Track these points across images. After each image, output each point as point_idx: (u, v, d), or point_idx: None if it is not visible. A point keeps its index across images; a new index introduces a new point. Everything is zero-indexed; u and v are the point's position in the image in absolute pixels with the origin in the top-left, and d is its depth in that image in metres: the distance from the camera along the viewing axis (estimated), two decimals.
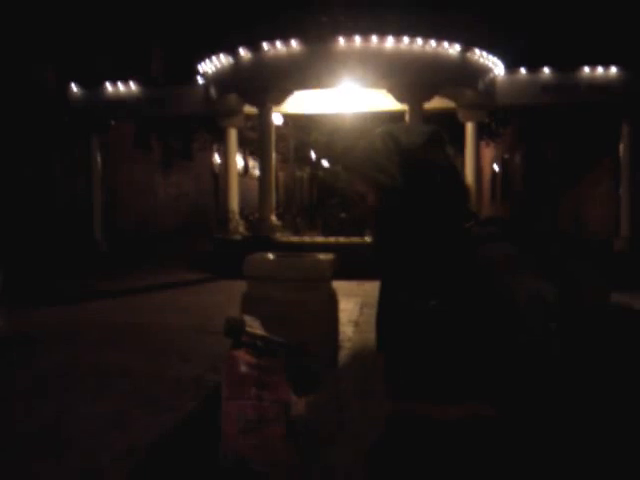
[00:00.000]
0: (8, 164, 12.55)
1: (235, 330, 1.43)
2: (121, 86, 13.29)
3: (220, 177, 19.75)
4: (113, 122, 14.13)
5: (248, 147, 20.44)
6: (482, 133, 15.50)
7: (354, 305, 7.31)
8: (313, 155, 23.23)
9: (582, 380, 1.31)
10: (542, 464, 1.28)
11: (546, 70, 12.08)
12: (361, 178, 1.34)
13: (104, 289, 8.93)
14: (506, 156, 22.76)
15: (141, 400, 4.14)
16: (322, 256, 5.20)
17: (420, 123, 1.48)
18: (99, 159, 13.78)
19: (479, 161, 14.34)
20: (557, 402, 1.27)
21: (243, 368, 1.33)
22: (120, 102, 13.31)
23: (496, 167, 24.41)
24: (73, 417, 3.85)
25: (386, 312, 1.54)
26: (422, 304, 1.38)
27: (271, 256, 5.12)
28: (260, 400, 1.33)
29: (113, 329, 6.45)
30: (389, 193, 1.32)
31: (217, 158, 22.29)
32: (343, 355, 5.04)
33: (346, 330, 5.55)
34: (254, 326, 1.47)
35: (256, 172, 16.62)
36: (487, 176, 25.04)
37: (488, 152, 24.18)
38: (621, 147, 12.31)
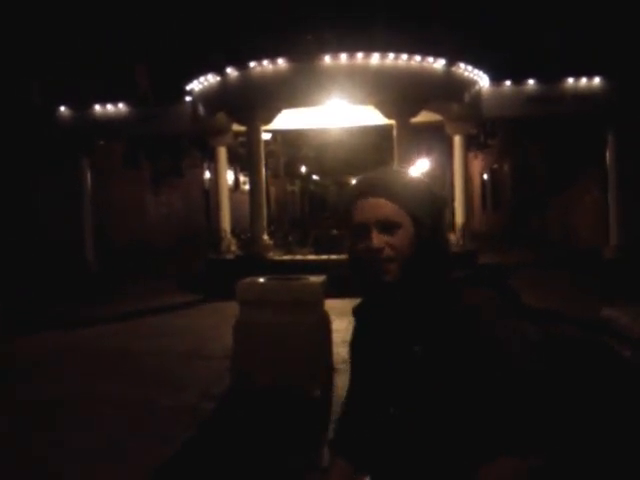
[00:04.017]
0: None
1: None
2: (109, 106, 13.31)
3: (211, 193, 19.76)
4: (102, 142, 14.16)
5: (239, 163, 20.48)
6: (470, 144, 15.62)
7: (348, 324, 7.31)
8: (303, 169, 23.30)
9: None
10: None
11: (531, 82, 12.21)
12: (404, 209, 1.37)
13: (96, 314, 8.88)
14: (495, 166, 22.91)
15: (135, 431, 4.13)
16: (313, 278, 5.23)
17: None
18: (89, 179, 13.77)
19: (468, 172, 14.45)
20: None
21: None
22: (108, 122, 13.33)
23: (485, 177, 24.56)
24: (66, 451, 3.83)
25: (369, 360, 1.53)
26: (406, 349, 1.40)
27: (262, 280, 5.14)
28: None
29: (105, 356, 6.43)
30: (424, 230, 1.37)
31: (207, 174, 22.31)
32: (338, 378, 5.04)
33: (340, 351, 5.55)
34: None
35: (247, 187, 16.66)
36: (477, 186, 25.18)
37: (477, 163, 24.34)
38: (607, 156, 12.44)
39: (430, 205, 1.39)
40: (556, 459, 1.28)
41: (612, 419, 1.38)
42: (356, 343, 1.57)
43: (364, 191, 1.41)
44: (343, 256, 11.44)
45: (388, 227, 1.36)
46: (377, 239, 1.36)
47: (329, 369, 5.17)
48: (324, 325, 5.22)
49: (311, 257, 11.40)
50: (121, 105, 13.28)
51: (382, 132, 14.91)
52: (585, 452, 1.33)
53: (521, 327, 1.36)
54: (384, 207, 1.37)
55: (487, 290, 1.39)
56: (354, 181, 1.58)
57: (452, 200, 13.72)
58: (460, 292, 1.37)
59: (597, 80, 12.04)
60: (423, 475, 1.38)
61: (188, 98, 12.79)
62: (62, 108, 13.43)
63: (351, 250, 1.43)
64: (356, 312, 1.57)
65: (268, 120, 11.64)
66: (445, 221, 1.46)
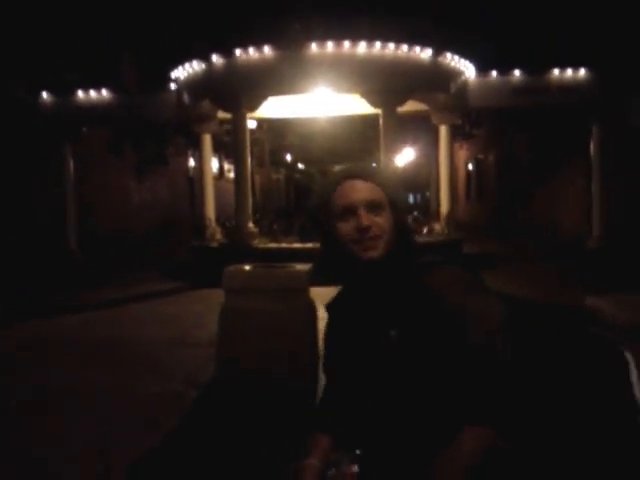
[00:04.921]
0: None
1: None
2: (93, 93, 13.15)
3: (195, 181, 19.66)
4: (85, 129, 13.99)
5: (223, 151, 20.36)
6: (456, 135, 15.65)
7: None
8: (289, 158, 23.24)
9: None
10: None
11: (517, 73, 12.24)
12: (385, 193, 1.48)
13: (80, 302, 8.82)
14: (480, 156, 23.00)
15: (121, 419, 4.12)
16: (299, 266, 5.22)
17: None
18: (72, 166, 13.61)
19: (453, 162, 14.49)
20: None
21: None
22: (92, 109, 13.16)
23: (470, 167, 24.66)
24: (52, 440, 3.81)
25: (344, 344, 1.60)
26: (382, 334, 1.47)
27: (247, 267, 5.13)
28: None
29: (90, 344, 6.39)
30: (400, 214, 1.51)
31: (192, 162, 22.18)
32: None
33: None
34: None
35: (232, 175, 16.58)
36: (462, 176, 25.29)
37: (462, 153, 24.43)
38: (591, 147, 12.52)
39: (403, 196, 1.54)
40: (522, 436, 1.33)
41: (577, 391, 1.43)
42: (331, 335, 1.65)
43: (348, 175, 1.50)
44: None
45: (374, 207, 1.46)
46: (366, 218, 1.44)
47: (314, 356, 5.18)
48: (310, 313, 5.21)
49: (297, 245, 11.38)
50: (105, 92, 13.13)
51: (368, 121, 14.90)
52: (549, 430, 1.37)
53: (489, 301, 1.44)
54: (371, 189, 1.47)
55: (454, 268, 1.48)
56: (334, 170, 1.67)
57: (437, 190, 13.78)
58: (429, 273, 1.46)
59: (582, 72, 12.09)
60: (408, 448, 1.43)
61: (173, 85, 12.66)
62: (44, 94, 13.24)
63: (331, 234, 1.50)
64: (330, 308, 1.65)
65: (254, 108, 11.57)
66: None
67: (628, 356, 1.40)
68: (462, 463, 1.28)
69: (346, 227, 1.46)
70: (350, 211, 1.45)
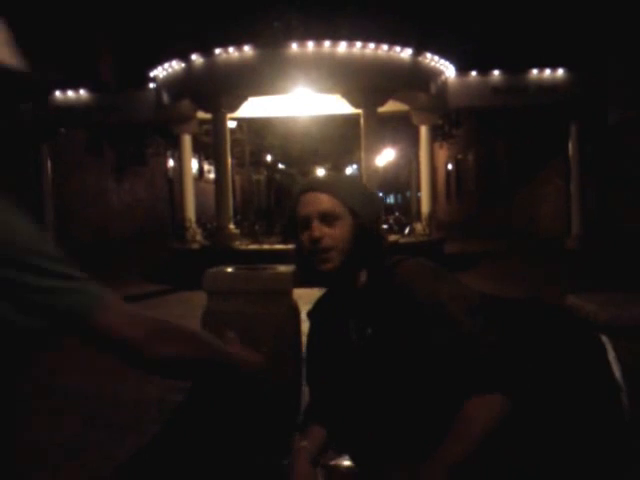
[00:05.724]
0: None
1: None
2: (70, 93, 12.98)
3: (175, 182, 19.51)
4: (63, 130, 13.81)
5: (203, 152, 20.23)
6: (436, 135, 15.71)
7: None
8: (269, 158, 23.17)
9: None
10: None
11: (496, 72, 12.33)
12: (343, 203, 1.52)
13: None
14: (459, 156, 23.15)
15: (100, 425, 4.05)
16: (283, 267, 5.18)
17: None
18: (49, 168, 13.43)
19: (433, 162, 14.56)
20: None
21: None
22: (70, 109, 13.01)
23: (450, 167, 24.80)
24: (30, 449, 3.72)
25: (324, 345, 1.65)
26: (360, 332, 1.53)
27: (229, 269, 5.07)
28: None
29: (68, 349, 6.27)
30: (361, 227, 1.52)
31: (171, 163, 22.01)
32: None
33: None
34: None
35: (212, 176, 16.45)
36: (441, 176, 25.44)
37: (442, 153, 24.57)
38: (570, 147, 12.65)
39: (370, 203, 1.55)
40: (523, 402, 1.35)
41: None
42: (312, 342, 1.72)
43: (308, 188, 1.56)
44: None
45: (328, 219, 1.50)
46: (318, 230, 1.50)
47: (299, 359, 5.15)
48: (293, 314, 5.18)
49: (279, 246, 11.32)
50: (82, 92, 12.96)
51: (349, 121, 14.87)
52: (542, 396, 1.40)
53: (459, 285, 1.49)
54: (325, 201, 1.51)
55: (417, 260, 1.53)
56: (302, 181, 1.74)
57: (418, 190, 13.83)
58: (395, 269, 1.51)
59: (560, 71, 12.22)
60: (402, 443, 1.44)
61: (152, 85, 12.55)
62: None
63: (296, 242, 1.57)
64: (310, 314, 1.73)
65: (234, 108, 11.50)
66: (381, 216, 1.66)
67: (604, 339, 1.48)
68: (475, 436, 1.28)
69: (304, 237, 1.52)
70: (307, 222, 1.51)
